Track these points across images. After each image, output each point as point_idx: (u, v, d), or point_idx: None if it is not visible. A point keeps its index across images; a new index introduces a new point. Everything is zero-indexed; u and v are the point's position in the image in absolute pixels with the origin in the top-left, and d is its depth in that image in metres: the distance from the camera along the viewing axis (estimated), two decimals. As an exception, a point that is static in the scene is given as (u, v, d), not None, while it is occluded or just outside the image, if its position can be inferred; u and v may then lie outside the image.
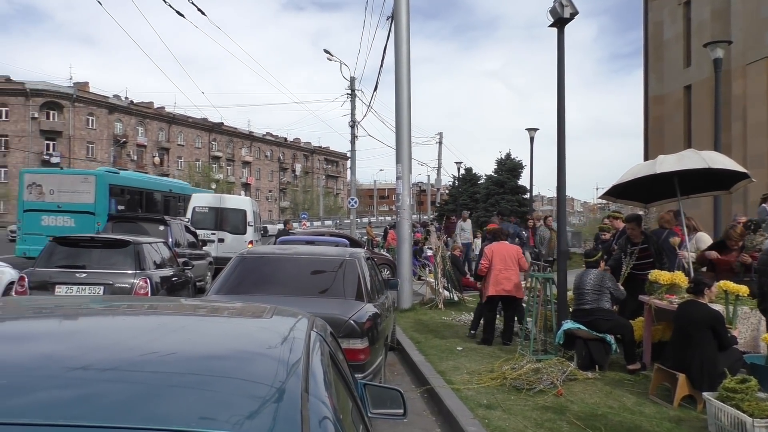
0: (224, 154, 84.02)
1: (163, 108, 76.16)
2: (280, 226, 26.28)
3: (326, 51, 32.38)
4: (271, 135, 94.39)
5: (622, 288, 7.48)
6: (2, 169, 60.38)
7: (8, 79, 63.06)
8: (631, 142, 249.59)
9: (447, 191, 55.98)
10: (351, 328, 5.03)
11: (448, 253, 13.12)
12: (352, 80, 33.49)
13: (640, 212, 11.48)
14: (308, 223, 51.41)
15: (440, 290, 12.08)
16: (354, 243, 14.05)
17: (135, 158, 70.25)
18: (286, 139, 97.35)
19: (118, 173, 21.06)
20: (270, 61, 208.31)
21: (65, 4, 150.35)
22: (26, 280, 7.78)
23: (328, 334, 2.29)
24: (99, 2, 12.51)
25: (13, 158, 60.18)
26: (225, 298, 5.56)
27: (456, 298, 12.46)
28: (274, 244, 12.36)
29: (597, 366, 6.89)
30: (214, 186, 62.19)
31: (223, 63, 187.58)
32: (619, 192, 8.68)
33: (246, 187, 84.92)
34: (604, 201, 39.22)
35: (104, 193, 18.20)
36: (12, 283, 9.10)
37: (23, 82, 61.99)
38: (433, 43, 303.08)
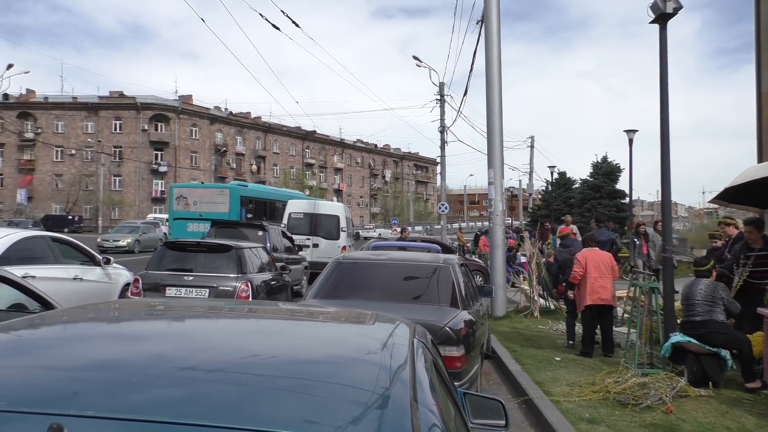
0: (317, 161, 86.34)
1: (259, 118, 79.44)
2: (379, 231, 27.34)
3: (415, 57, 32.53)
4: (362, 142, 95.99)
5: (735, 302, 6.93)
6: (117, 178, 65.09)
7: (122, 95, 68.11)
8: (740, 143, 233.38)
9: (539, 196, 54.57)
10: (447, 335, 4.98)
11: (543, 260, 12.74)
12: (441, 86, 33.42)
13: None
14: (399, 229, 51.73)
15: (536, 298, 11.76)
16: (446, 249, 13.97)
17: (234, 166, 73.66)
18: (376, 145, 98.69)
19: (247, 186, 24.45)
20: (360, 69, 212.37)
21: (170, 22, 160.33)
22: (140, 282, 8.31)
23: (429, 342, 2.26)
24: (202, 19, 13.25)
25: (126, 167, 64.81)
26: (322, 303, 5.67)
27: (552, 307, 12.08)
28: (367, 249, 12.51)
29: (711, 383, 6.43)
30: (307, 192, 64.08)
31: (315, 73, 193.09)
32: (731, 196, 8.07)
33: (338, 193, 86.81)
34: (714, 206, 36.74)
35: (237, 203, 21.42)
36: (128, 284, 9.75)
37: (134, 96, 66.74)
38: (522, 46, 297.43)
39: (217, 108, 74.28)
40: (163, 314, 2.20)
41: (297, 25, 14.76)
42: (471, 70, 26.38)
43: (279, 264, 10.68)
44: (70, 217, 53.14)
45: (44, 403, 1.12)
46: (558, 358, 7.94)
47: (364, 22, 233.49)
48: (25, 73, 36.46)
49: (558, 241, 11.55)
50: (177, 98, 69.30)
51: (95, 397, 1.17)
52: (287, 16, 13.63)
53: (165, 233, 33.90)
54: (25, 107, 65.92)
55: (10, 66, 31.21)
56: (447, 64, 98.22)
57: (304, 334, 1.98)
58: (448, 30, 34.84)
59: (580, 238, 11.44)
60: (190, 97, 71.32)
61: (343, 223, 18.67)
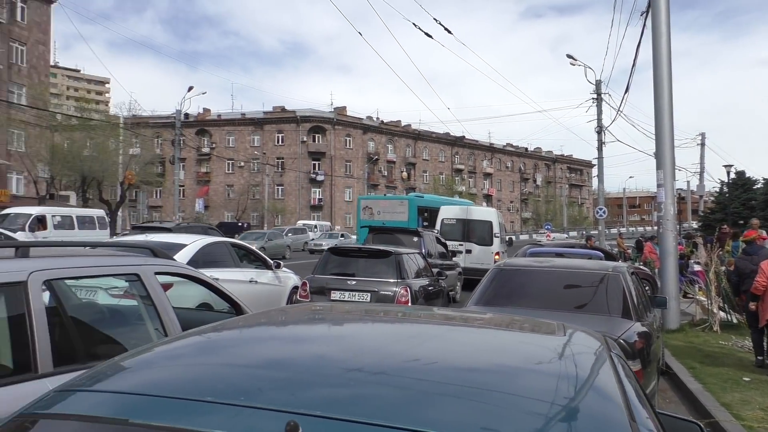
0: (466, 167, 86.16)
1: (409, 125, 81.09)
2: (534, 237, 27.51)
3: (569, 56, 31.29)
4: (512, 145, 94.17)
5: None
6: (279, 187, 69.97)
7: (283, 109, 73.20)
8: None
9: (712, 198, 49.69)
10: (621, 349, 4.69)
11: (723, 268, 11.55)
12: (598, 84, 31.78)
13: None
14: (552, 235, 49.94)
15: (715, 310, 10.69)
16: (609, 256, 13.19)
17: (385, 174, 75.87)
18: (526, 149, 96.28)
19: (423, 197, 26.67)
20: (509, 72, 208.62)
21: (325, 38, 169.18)
22: (308, 285, 8.81)
23: (623, 355, 2.13)
24: (359, 33, 13.82)
25: (288, 177, 69.47)
26: (484, 310, 5.60)
27: (735, 320, 10.90)
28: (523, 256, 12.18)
29: None
30: (457, 198, 64.12)
31: (462, 78, 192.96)
32: None
33: (487, 198, 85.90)
34: None
35: (414, 213, 23.33)
36: (296, 287, 10.40)
37: (294, 110, 71.40)
38: (688, 36, 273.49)
39: (369, 118, 77.01)
40: (329, 318, 2.27)
41: (449, 32, 14.86)
42: (633, 65, 24.65)
43: (435, 270, 10.76)
44: (240, 224, 57.97)
45: (229, 395, 1.20)
46: (747, 379, 7.14)
47: (512, 23, 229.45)
48: (203, 93, 40.47)
49: (741, 246, 10.39)
50: (332, 110, 73.00)
51: (276, 394, 1.24)
52: (440, 23, 13.78)
53: (312, 238, 39.97)
54: (202, 125, 73.17)
55: (190, 88, 34.87)
56: (604, 61, 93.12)
57: (492, 342, 1.94)
58: (603, 26, 33.02)
59: (768, 245, 10.19)
60: (344, 108, 74.75)
61: (496, 229, 18.40)
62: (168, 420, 1.11)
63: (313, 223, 49.94)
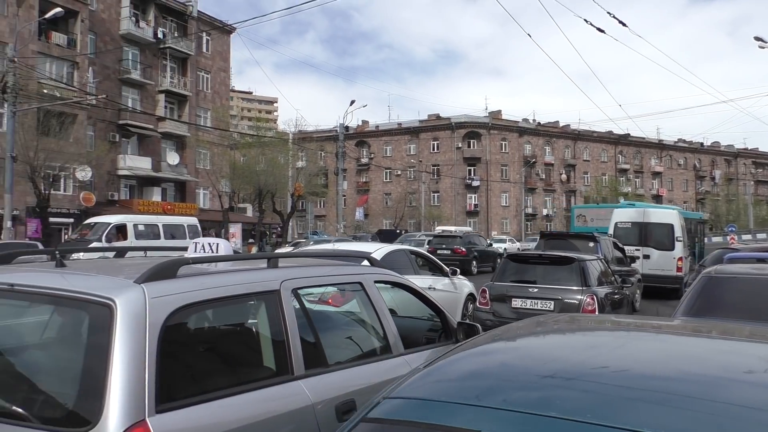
0: (632, 166, 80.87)
1: (568, 126, 77.96)
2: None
3: (757, 38, 28.04)
4: (684, 141, 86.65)
5: None
6: (435, 194, 70.76)
7: (438, 117, 74.04)
8: None
9: None
10: None
11: None
12: (795, 66, 28.15)
13: None
14: (736, 237, 45.10)
15: None
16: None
17: (543, 177, 73.60)
18: (702, 144, 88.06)
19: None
20: (679, 62, 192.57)
21: (476, 43, 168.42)
22: (487, 292, 8.75)
23: None
24: (528, 35, 13.53)
25: (443, 184, 70.08)
26: (697, 321, 5.15)
27: None
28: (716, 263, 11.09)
29: None
30: (622, 199, 60.29)
31: (625, 73, 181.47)
32: None
33: (657, 198, 79.78)
34: None
35: None
36: (470, 294, 10.39)
37: (449, 117, 71.87)
38: None
39: (525, 120, 75.22)
40: (621, 332, 2.22)
41: (624, 24, 14.04)
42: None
43: (619, 276, 10.18)
44: (398, 231, 59.40)
45: (575, 412, 1.20)
46: None
47: (682, 9, 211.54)
48: (364, 106, 42.73)
49: None
50: (487, 115, 72.40)
51: (626, 413, 1.22)
52: (614, 17, 13.06)
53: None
54: (361, 136, 76.29)
55: (352, 102, 36.57)
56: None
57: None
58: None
59: None
60: (498, 112, 73.76)
61: (678, 232, 16.94)
62: None
63: (453, 228, 49.48)
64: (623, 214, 18.31)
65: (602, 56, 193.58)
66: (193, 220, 24.84)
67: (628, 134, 76.19)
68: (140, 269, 2.45)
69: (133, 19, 40.81)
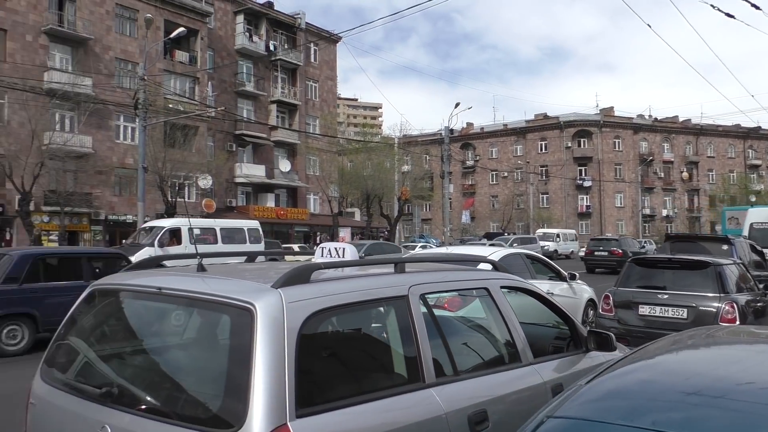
0: (764, 162, 74.19)
1: (689, 120, 72.91)
2: None
3: None
4: (826, 132, 78.20)
5: None
6: (544, 196, 68.66)
7: (545, 116, 71.86)
8: None
9: None
10: None
11: None
12: None
13: None
14: None
15: None
16: None
17: (662, 175, 69.36)
18: None
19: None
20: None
21: (584, 38, 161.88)
22: (611, 298, 8.26)
23: None
24: (648, 25, 12.74)
25: (552, 185, 67.87)
26: None
27: None
28: None
29: None
30: (753, 198, 55.42)
31: (754, 60, 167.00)
32: None
33: (794, 197, 72.64)
34: None
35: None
36: (590, 299, 9.89)
37: (557, 116, 69.50)
38: None
39: (641, 116, 71.22)
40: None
41: (757, 8, 12.85)
42: None
43: (759, 282, 9.27)
44: (505, 234, 58.19)
45: None
46: None
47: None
48: (468, 108, 41.66)
49: None
50: (598, 112, 69.30)
51: None
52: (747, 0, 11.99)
53: (544, 246, 37.90)
54: (466, 138, 75.60)
55: (457, 104, 36.07)
56: None
57: None
58: None
59: None
60: (611, 109, 70.41)
61: (825, 233, 15.27)
62: None
63: (555, 231, 47.36)
64: (760, 214, 16.79)
65: (728, 44, 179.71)
66: (255, 224, 23.54)
67: (759, 127, 69.87)
68: (275, 274, 2.48)
69: (247, 34, 43.02)
